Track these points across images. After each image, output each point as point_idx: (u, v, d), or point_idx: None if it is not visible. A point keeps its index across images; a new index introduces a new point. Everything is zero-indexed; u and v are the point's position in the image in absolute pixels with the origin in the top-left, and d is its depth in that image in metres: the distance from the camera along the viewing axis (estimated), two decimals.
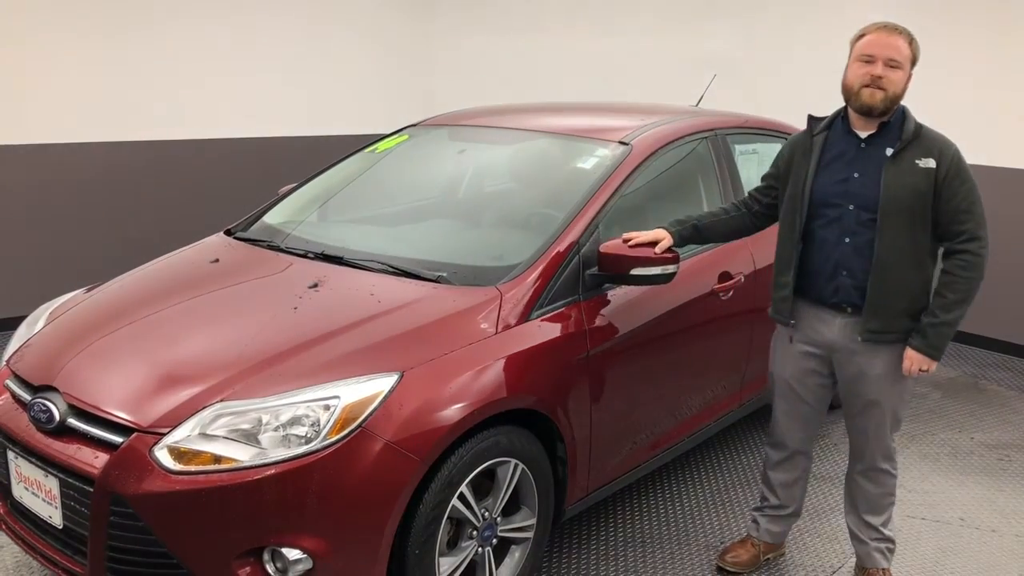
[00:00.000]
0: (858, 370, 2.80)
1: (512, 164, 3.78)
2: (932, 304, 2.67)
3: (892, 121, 2.68)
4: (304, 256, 3.13)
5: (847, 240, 2.70)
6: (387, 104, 6.90)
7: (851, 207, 2.69)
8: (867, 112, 2.65)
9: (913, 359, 2.70)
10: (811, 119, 2.85)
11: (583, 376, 2.86)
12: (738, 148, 3.89)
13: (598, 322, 2.93)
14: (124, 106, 5.67)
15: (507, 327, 2.71)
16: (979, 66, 5.32)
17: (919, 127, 2.68)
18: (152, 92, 5.76)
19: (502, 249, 3.08)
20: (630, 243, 2.89)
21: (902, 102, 2.70)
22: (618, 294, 3.03)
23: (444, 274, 2.87)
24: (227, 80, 6.11)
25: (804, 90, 5.84)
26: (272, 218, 3.62)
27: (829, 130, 2.78)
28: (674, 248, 2.94)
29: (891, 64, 2.61)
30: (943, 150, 2.64)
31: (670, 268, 2.92)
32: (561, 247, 2.92)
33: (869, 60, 2.63)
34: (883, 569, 3.01)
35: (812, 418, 3.01)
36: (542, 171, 3.65)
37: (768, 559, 3.22)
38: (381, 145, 3.99)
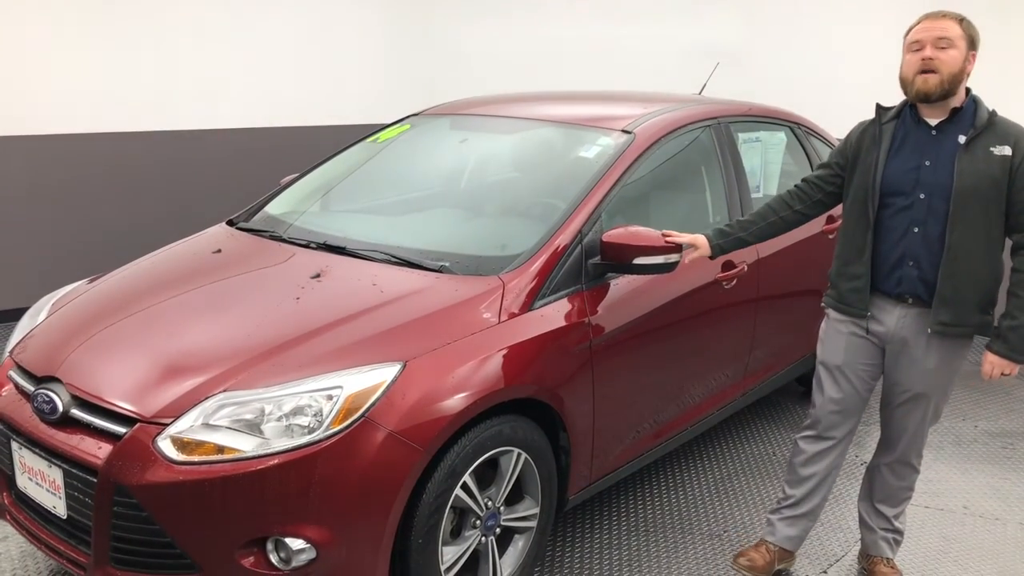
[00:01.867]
0: (911, 361, 2.74)
1: (514, 153, 3.77)
2: (1009, 305, 2.61)
3: (964, 108, 2.61)
4: (306, 246, 3.13)
5: (916, 230, 2.63)
6: (389, 94, 6.88)
7: (922, 195, 2.62)
8: (925, 99, 2.59)
9: (995, 364, 2.65)
10: (879, 107, 2.78)
11: (586, 365, 2.86)
12: (741, 136, 3.88)
13: (601, 311, 2.93)
14: (125, 97, 5.65)
15: (510, 316, 2.71)
16: None
17: (993, 114, 2.61)
18: (153, 82, 5.75)
19: (504, 238, 3.07)
20: (666, 237, 2.89)
21: (972, 90, 2.64)
22: (621, 283, 3.02)
23: (446, 264, 2.87)
24: (228, 71, 6.10)
25: (807, 78, 5.84)
26: (274, 208, 3.61)
27: (898, 118, 2.71)
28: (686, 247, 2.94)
29: (940, 45, 2.55)
30: (1019, 138, 2.57)
31: (673, 257, 2.92)
32: (564, 236, 2.91)
33: (918, 47, 2.59)
34: (887, 559, 3.01)
35: (859, 408, 2.92)
36: (544, 160, 3.63)
37: (780, 569, 3.09)
38: (383, 135, 3.98)
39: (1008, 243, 2.65)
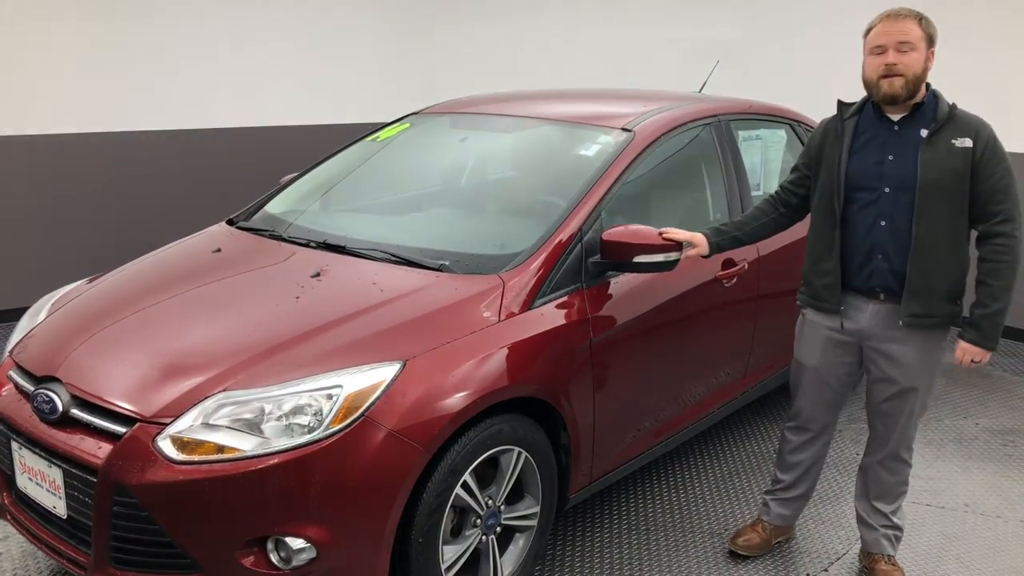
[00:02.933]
0: (890, 357, 2.77)
1: (514, 152, 3.77)
2: (980, 294, 2.64)
3: (925, 103, 2.65)
4: (306, 245, 3.12)
5: (883, 223, 2.67)
6: (388, 92, 6.87)
7: (887, 189, 2.66)
8: (892, 101, 2.63)
9: (967, 351, 2.68)
10: (841, 104, 2.82)
11: (586, 364, 2.86)
12: (741, 134, 3.87)
13: (601, 310, 2.92)
14: (124, 96, 5.65)
15: (510, 315, 2.70)
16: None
17: (953, 108, 2.65)
18: (152, 82, 5.75)
19: (505, 237, 3.07)
20: (663, 234, 2.89)
21: (932, 85, 2.67)
22: (621, 282, 3.02)
23: (446, 262, 2.86)
24: (228, 69, 6.09)
25: (807, 76, 5.83)
26: (274, 207, 3.61)
27: (860, 114, 2.75)
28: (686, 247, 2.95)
29: (902, 48, 2.59)
30: (979, 130, 2.62)
31: (673, 255, 2.92)
32: (564, 235, 2.90)
33: (880, 51, 2.61)
34: (888, 555, 3.01)
35: (837, 403, 3.00)
36: (544, 158, 3.63)
37: (779, 542, 3.23)
38: (383, 134, 3.98)
39: (974, 234, 2.70)
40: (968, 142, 2.60)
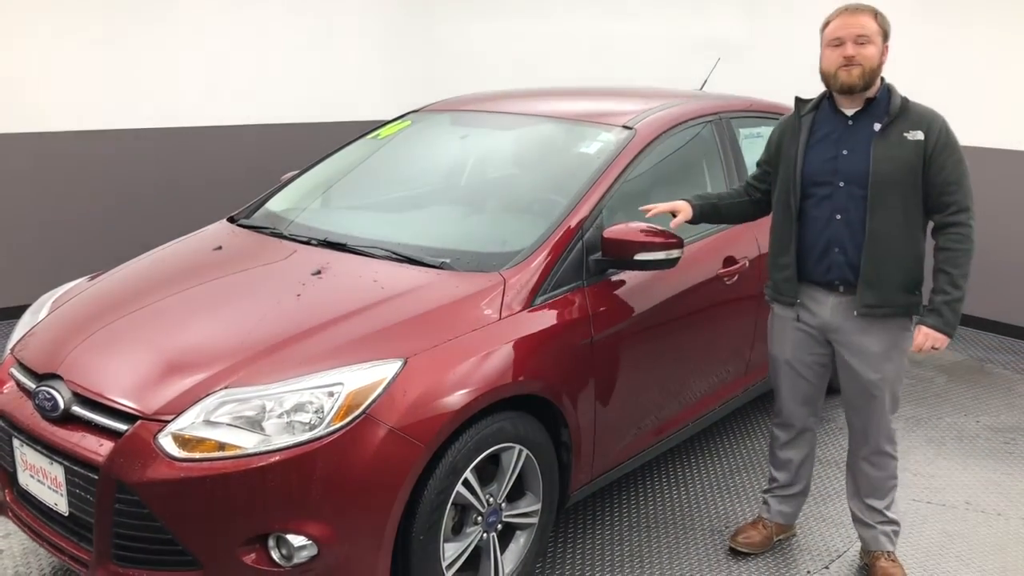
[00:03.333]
0: (856, 349, 2.81)
1: (515, 149, 3.76)
2: (939, 282, 2.69)
3: (878, 97, 2.71)
4: (307, 243, 3.13)
5: (838, 217, 2.73)
6: (389, 90, 6.87)
7: (841, 184, 2.72)
8: (849, 91, 2.69)
9: (928, 336, 2.70)
10: (798, 100, 2.89)
11: (587, 362, 2.86)
12: (743, 132, 3.87)
13: (602, 307, 2.92)
14: (125, 94, 5.65)
15: (511, 313, 2.70)
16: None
17: (905, 101, 2.72)
18: (152, 80, 5.75)
19: (505, 235, 3.07)
20: (648, 213, 2.92)
21: (886, 79, 2.74)
22: (622, 279, 3.02)
23: (447, 260, 2.86)
24: (230, 67, 6.09)
25: (809, 73, 5.82)
26: (275, 205, 3.61)
27: (816, 110, 2.82)
28: (681, 230, 2.95)
29: (860, 41, 2.65)
30: (931, 122, 2.67)
31: (674, 253, 2.92)
32: (565, 232, 2.90)
33: (838, 43, 2.68)
34: (888, 552, 3.01)
35: (814, 395, 3.03)
36: (545, 156, 3.63)
37: (780, 540, 3.23)
38: (383, 131, 3.98)
39: (930, 225, 2.75)
40: (920, 135, 2.65)
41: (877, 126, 2.68)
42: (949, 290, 2.66)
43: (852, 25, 2.66)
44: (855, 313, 2.75)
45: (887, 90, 2.72)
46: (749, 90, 4.61)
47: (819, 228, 2.76)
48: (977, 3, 5.28)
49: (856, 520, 3.07)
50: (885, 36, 2.70)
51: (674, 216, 2.97)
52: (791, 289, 2.87)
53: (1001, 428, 4.30)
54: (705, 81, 4.70)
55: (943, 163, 2.64)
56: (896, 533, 3.03)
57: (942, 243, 2.69)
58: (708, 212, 3.04)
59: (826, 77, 2.73)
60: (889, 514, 3.00)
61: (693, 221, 3.01)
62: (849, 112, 2.74)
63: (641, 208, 2.95)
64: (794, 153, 2.79)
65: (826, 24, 2.74)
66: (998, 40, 5.24)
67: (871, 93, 2.70)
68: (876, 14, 2.69)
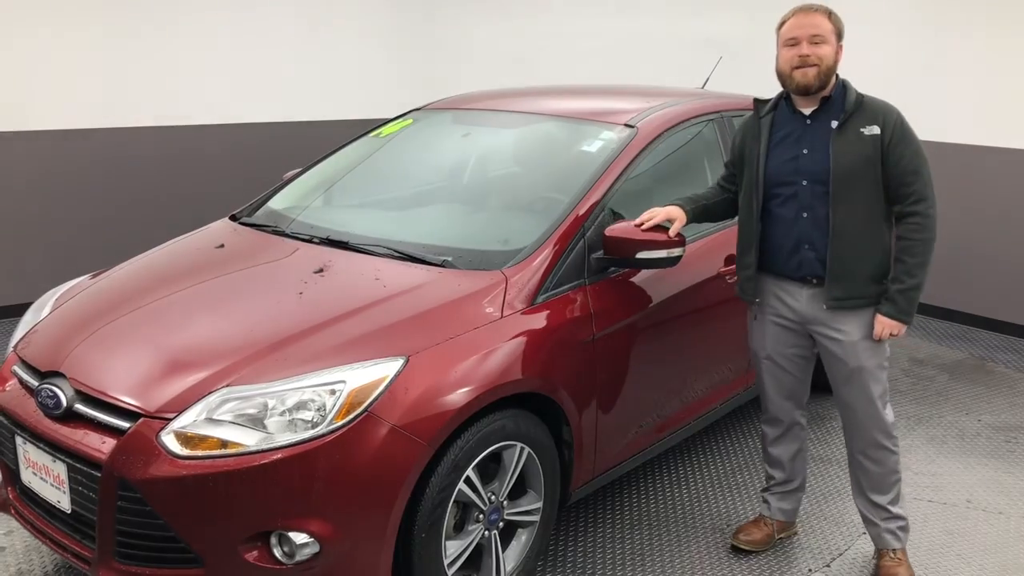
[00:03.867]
0: (835, 339, 2.85)
1: (517, 148, 3.77)
2: (896, 271, 2.75)
3: (834, 95, 2.76)
4: (309, 241, 3.13)
5: (805, 215, 2.78)
6: (391, 88, 6.87)
7: (804, 182, 2.77)
8: (805, 91, 2.74)
9: (884, 324, 2.76)
10: (756, 102, 2.94)
11: (589, 360, 2.86)
12: None
13: (603, 306, 2.93)
14: (127, 92, 5.66)
15: (513, 311, 2.70)
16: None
17: (861, 97, 2.76)
18: (154, 78, 5.75)
19: (507, 233, 3.07)
20: (643, 227, 2.90)
21: (841, 76, 2.79)
22: (623, 278, 3.02)
23: (449, 258, 2.87)
24: (231, 65, 6.09)
25: None
26: (277, 203, 3.61)
27: (775, 111, 2.87)
28: (683, 229, 2.95)
29: (815, 40, 2.70)
30: (886, 116, 2.73)
31: (676, 251, 2.92)
32: (566, 231, 2.91)
33: (794, 43, 2.73)
34: (893, 550, 3.00)
35: (798, 389, 3.06)
36: (547, 154, 3.63)
37: (781, 538, 3.23)
38: (385, 129, 3.98)
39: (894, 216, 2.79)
40: (876, 129, 2.71)
41: (834, 123, 2.73)
42: (904, 279, 2.72)
43: (807, 25, 2.72)
44: (824, 306, 2.80)
45: (842, 87, 2.77)
46: (751, 89, 4.60)
47: (787, 226, 2.82)
48: (978, 2, 5.28)
49: (864, 519, 3.06)
50: (839, 35, 2.76)
51: (670, 224, 2.96)
52: (751, 288, 2.94)
53: (1002, 427, 4.30)
54: (707, 80, 4.70)
55: (900, 154, 2.69)
56: (903, 529, 3.01)
57: (901, 232, 2.75)
58: (700, 213, 3.06)
59: (782, 77, 2.79)
60: (894, 510, 2.99)
61: (689, 223, 3.02)
62: (807, 111, 2.79)
63: (635, 223, 2.92)
64: (756, 155, 2.85)
65: (781, 24, 2.80)
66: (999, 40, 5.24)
67: (827, 92, 2.75)
68: (830, 14, 2.76)
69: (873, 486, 2.98)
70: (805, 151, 2.77)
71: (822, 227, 2.76)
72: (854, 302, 2.78)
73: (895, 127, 2.71)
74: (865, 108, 2.74)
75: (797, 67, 2.71)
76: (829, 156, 2.71)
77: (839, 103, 2.75)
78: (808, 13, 2.74)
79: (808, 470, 3.34)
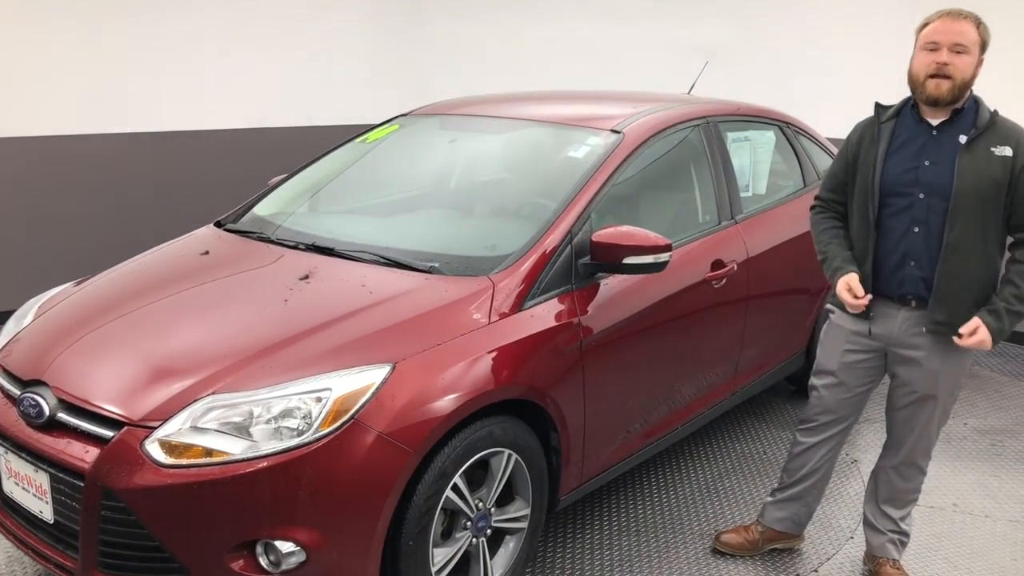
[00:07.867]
0: (916, 363, 2.73)
1: (504, 153, 3.76)
2: (1005, 291, 2.60)
3: (965, 108, 2.60)
4: (295, 247, 3.11)
5: (916, 230, 2.63)
6: (377, 94, 6.86)
7: (921, 195, 2.62)
8: (934, 103, 2.59)
9: (982, 333, 2.57)
10: (878, 107, 2.77)
11: (576, 366, 2.85)
12: (730, 136, 3.88)
13: (591, 311, 2.92)
14: (114, 98, 5.62)
15: (500, 317, 2.70)
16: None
17: (994, 115, 2.61)
18: (142, 83, 5.72)
19: (494, 239, 3.06)
20: (863, 301, 2.69)
21: (974, 91, 2.63)
22: (611, 283, 3.02)
23: (436, 264, 2.86)
24: (217, 71, 6.07)
25: (797, 78, 5.85)
26: (262, 209, 3.59)
27: (898, 117, 2.71)
28: (669, 234, 2.94)
29: (957, 50, 2.54)
30: (1020, 139, 2.57)
31: (663, 257, 2.91)
32: (553, 237, 2.90)
33: (934, 48, 2.56)
34: (894, 560, 3.01)
35: (855, 408, 2.94)
36: (534, 160, 3.63)
37: (776, 548, 3.19)
38: (371, 135, 3.97)
39: (1008, 241, 2.67)
40: (1008, 151, 2.56)
41: (963, 138, 2.58)
42: (1014, 303, 2.58)
43: (952, 32, 2.54)
44: (923, 329, 2.67)
45: (975, 102, 2.62)
46: (737, 94, 4.63)
47: (895, 240, 2.66)
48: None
49: (867, 524, 3.05)
50: (983, 48, 2.58)
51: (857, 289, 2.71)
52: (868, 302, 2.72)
53: (988, 430, 4.32)
54: (693, 85, 4.71)
55: None
56: (904, 543, 3.01)
57: (1018, 256, 2.62)
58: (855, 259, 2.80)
59: (914, 82, 2.62)
60: (902, 525, 2.98)
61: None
62: (934, 122, 2.63)
63: (850, 306, 2.71)
64: (872, 160, 2.69)
65: (924, 25, 2.61)
66: None
67: (959, 104, 2.59)
68: (979, 24, 2.57)
69: (891, 498, 2.96)
70: (927, 162, 2.60)
71: (933, 244, 2.60)
72: (955, 329, 2.60)
73: None
74: (998, 127, 2.58)
75: (932, 75, 2.54)
76: (953, 171, 2.55)
77: (970, 118, 2.59)
78: (956, 19, 2.55)
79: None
